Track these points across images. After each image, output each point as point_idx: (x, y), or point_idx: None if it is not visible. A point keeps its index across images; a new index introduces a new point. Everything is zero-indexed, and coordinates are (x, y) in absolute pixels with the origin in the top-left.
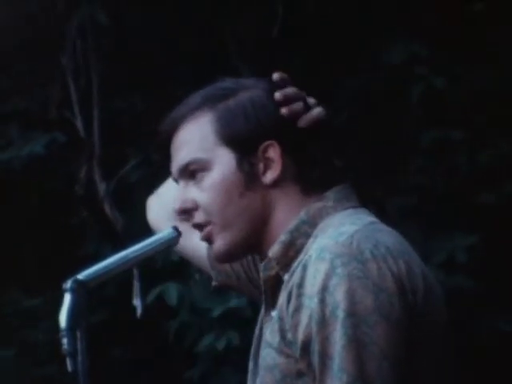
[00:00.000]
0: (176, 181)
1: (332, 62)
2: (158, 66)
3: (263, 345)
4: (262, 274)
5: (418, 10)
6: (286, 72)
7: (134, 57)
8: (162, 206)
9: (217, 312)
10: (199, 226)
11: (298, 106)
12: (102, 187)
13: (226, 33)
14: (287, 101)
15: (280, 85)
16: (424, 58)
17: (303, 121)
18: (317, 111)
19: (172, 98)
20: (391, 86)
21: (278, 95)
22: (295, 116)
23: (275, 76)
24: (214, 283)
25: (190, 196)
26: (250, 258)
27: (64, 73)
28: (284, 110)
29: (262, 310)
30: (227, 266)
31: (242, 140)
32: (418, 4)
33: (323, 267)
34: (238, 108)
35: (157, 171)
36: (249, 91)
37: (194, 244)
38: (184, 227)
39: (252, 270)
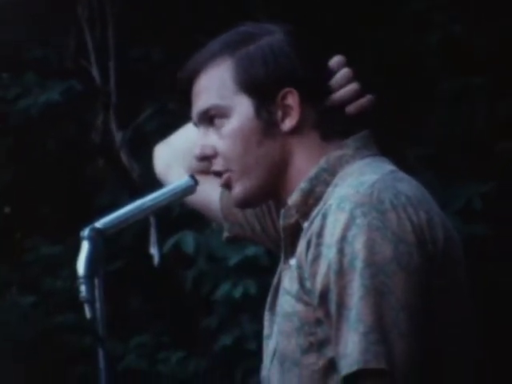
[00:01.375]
0: (196, 125)
1: (351, 11)
2: (175, 16)
3: (281, 292)
4: (281, 222)
5: None
6: (304, 20)
7: (149, 5)
8: (172, 154)
9: (233, 260)
10: (218, 173)
11: (354, 88)
12: (118, 136)
13: None
14: (344, 83)
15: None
16: (442, 5)
17: (351, 107)
18: (368, 98)
19: (188, 47)
20: (410, 33)
21: (338, 77)
22: (349, 99)
23: (332, 61)
24: (225, 234)
25: (209, 142)
26: (265, 208)
27: (80, 22)
28: (340, 94)
29: (281, 259)
30: (241, 218)
31: (261, 87)
32: None
33: (343, 217)
34: (257, 54)
35: (173, 120)
36: (269, 37)
37: (206, 195)
38: (198, 178)
39: (267, 220)
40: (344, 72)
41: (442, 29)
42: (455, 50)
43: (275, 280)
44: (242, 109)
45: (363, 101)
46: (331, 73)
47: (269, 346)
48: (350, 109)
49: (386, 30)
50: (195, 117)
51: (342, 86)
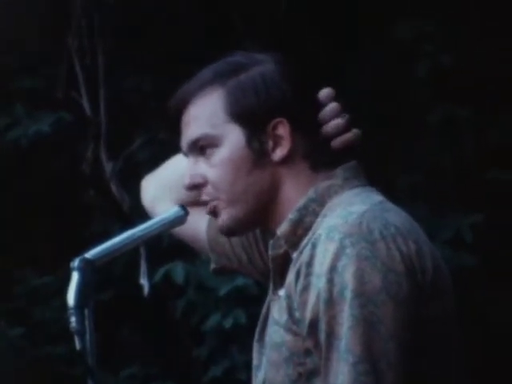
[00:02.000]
0: (186, 155)
1: (340, 40)
2: (164, 44)
3: (270, 323)
4: (270, 252)
5: None
6: (293, 48)
7: (139, 35)
8: (159, 187)
9: (223, 290)
10: (207, 203)
11: (342, 122)
12: (108, 166)
13: (233, 9)
14: (333, 117)
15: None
16: (431, 34)
17: (338, 141)
18: (355, 133)
19: (179, 77)
20: (399, 62)
21: (327, 112)
22: (333, 134)
23: (321, 94)
24: (212, 266)
25: (199, 171)
26: (252, 239)
27: (70, 52)
28: (327, 128)
29: (270, 290)
30: (228, 250)
31: (252, 117)
32: None
33: (332, 247)
34: (248, 84)
35: (163, 150)
36: (260, 66)
37: (194, 227)
38: None
39: (254, 252)
40: (332, 106)
41: (431, 58)
42: (444, 79)
43: (264, 310)
44: (233, 138)
45: (349, 135)
46: (320, 105)
47: (258, 377)
48: (336, 143)
49: (374, 57)
50: (185, 146)
51: (329, 120)
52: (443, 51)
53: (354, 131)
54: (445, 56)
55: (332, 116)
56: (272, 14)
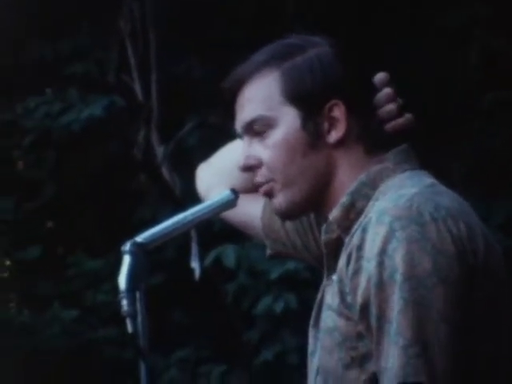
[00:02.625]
0: (240, 137)
1: (393, 25)
2: (217, 30)
3: (324, 308)
4: (322, 237)
5: None
6: (342, 35)
7: (191, 20)
8: (214, 175)
9: (275, 274)
10: (262, 184)
11: (395, 107)
12: (159, 151)
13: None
14: (387, 101)
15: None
16: (483, 19)
17: (391, 125)
18: (407, 118)
19: (230, 62)
20: (451, 48)
21: (382, 96)
22: (386, 118)
23: (377, 79)
24: (268, 252)
25: (254, 153)
26: (306, 224)
27: (122, 37)
28: (381, 112)
29: (324, 276)
30: (283, 236)
31: (308, 99)
32: None
33: (382, 230)
34: (304, 66)
35: (214, 134)
36: (316, 49)
37: (248, 213)
38: (241, 197)
39: (309, 237)
40: (385, 92)
41: (482, 43)
42: (495, 64)
43: (319, 296)
44: (289, 120)
45: (401, 120)
46: (375, 89)
47: (313, 363)
48: (389, 128)
49: (426, 43)
50: (240, 127)
51: (382, 105)
52: (494, 36)
53: (407, 116)
54: (496, 40)
55: (386, 101)
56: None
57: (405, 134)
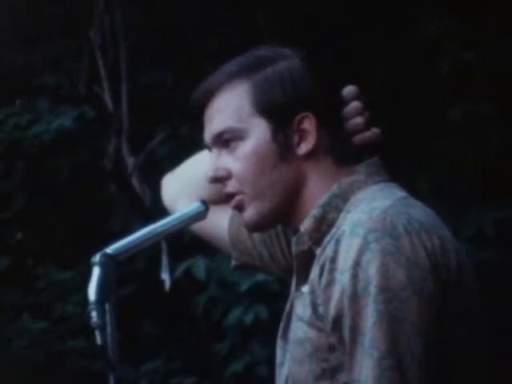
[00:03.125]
0: (209, 149)
1: (362, 38)
2: (186, 39)
3: (294, 319)
4: (293, 249)
5: None
6: (316, 46)
7: (161, 31)
8: (180, 185)
9: (245, 286)
10: (231, 196)
11: (362, 121)
12: (130, 161)
13: (256, 6)
14: (354, 115)
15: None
16: (454, 32)
17: (358, 139)
18: (374, 132)
19: (201, 72)
20: (420, 60)
21: (350, 109)
22: (353, 131)
23: (345, 92)
24: (234, 263)
25: (222, 164)
26: (273, 235)
27: (93, 48)
28: (348, 125)
29: (293, 286)
30: (250, 246)
31: (278, 110)
32: None
33: (356, 242)
34: (275, 78)
35: (185, 145)
36: (286, 61)
37: (215, 223)
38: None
39: (276, 247)
40: (354, 105)
41: (453, 56)
42: (466, 77)
43: (287, 307)
44: (259, 131)
45: (368, 134)
46: (344, 101)
47: (281, 374)
48: (356, 141)
49: (395, 55)
50: (209, 139)
51: (351, 118)
52: (465, 49)
53: (374, 130)
54: (466, 53)
55: (354, 114)
56: (295, 13)
57: (372, 148)
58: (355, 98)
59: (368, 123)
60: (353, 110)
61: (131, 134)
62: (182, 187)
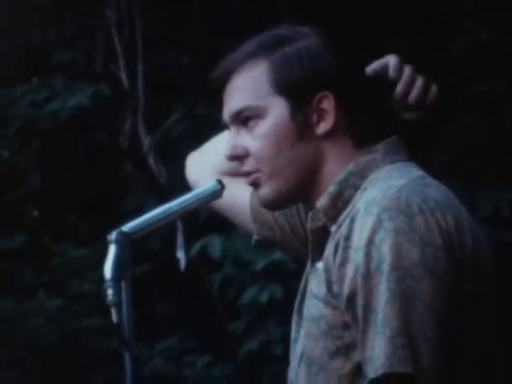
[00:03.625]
0: (228, 126)
1: (377, 18)
2: (205, 20)
3: (308, 296)
4: (309, 225)
5: None
6: (330, 24)
7: (180, 9)
8: (204, 163)
9: (260, 265)
10: (248, 174)
11: (417, 91)
12: (146, 140)
13: None
14: (408, 90)
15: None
16: (469, 10)
17: (426, 102)
18: (433, 92)
19: (217, 52)
20: (437, 38)
21: (399, 89)
22: (419, 102)
23: (391, 71)
24: (255, 237)
25: (241, 143)
26: (294, 208)
27: (108, 25)
28: (409, 99)
29: (308, 263)
30: (270, 219)
31: (297, 89)
32: None
33: (370, 220)
34: (293, 57)
35: (200, 125)
36: (305, 40)
37: (235, 197)
38: (226, 181)
39: (296, 220)
40: (406, 75)
41: (469, 35)
42: (481, 56)
43: (302, 283)
44: (277, 110)
45: (431, 97)
46: (366, 79)
47: (296, 350)
48: (412, 98)
49: (412, 34)
50: (227, 117)
51: (400, 78)
52: (481, 28)
53: (433, 89)
54: (482, 32)
55: (411, 83)
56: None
57: (395, 124)
58: (402, 70)
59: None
60: (407, 83)
61: (147, 112)
62: (207, 165)
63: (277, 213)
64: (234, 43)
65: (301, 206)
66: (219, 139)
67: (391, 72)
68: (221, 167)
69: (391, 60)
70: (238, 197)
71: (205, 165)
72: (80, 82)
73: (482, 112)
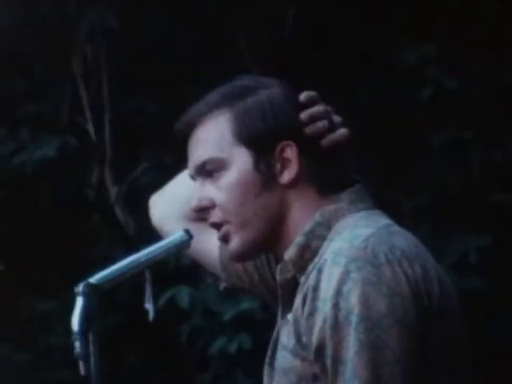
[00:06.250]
0: (193, 178)
1: (344, 64)
2: (169, 68)
3: (279, 347)
4: (278, 277)
5: (429, 10)
6: (297, 72)
7: (145, 59)
8: (168, 204)
9: (228, 315)
10: (216, 225)
11: (323, 125)
12: (113, 191)
13: (237, 33)
14: (312, 120)
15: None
16: (435, 58)
17: (326, 141)
18: (341, 132)
19: (183, 101)
20: (403, 86)
21: (303, 116)
22: (319, 135)
23: (303, 97)
24: (223, 285)
25: (206, 194)
26: (264, 258)
27: (74, 77)
28: (308, 130)
29: (279, 314)
30: (240, 269)
31: (260, 140)
32: (430, 4)
33: (337, 271)
34: (256, 107)
35: (168, 174)
36: (267, 90)
37: (204, 245)
38: (194, 228)
39: (266, 271)
40: (313, 110)
41: (435, 83)
42: (448, 103)
43: (274, 335)
44: (241, 161)
45: (335, 135)
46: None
47: None
48: (324, 143)
49: (376, 81)
50: (192, 169)
51: (313, 121)
52: (447, 76)
53: (340, 131)
54: (448, 80)
55: (316, 118)
56: (275, 39)
57: (359, 171)
58: (315, 103)
59: (332, 125)
60: (315, 112)
61: (114, 163)
62: (170, 206)
63: (247, 263)
64: (198, 92)
65: (271, 257)
66: (180, 179)
67: (311, 115)
68: (186, 212)
69: (316, 107)
70: (207, 244)
71: (168, 206)
72: (46, 133)
73: (449, 158)
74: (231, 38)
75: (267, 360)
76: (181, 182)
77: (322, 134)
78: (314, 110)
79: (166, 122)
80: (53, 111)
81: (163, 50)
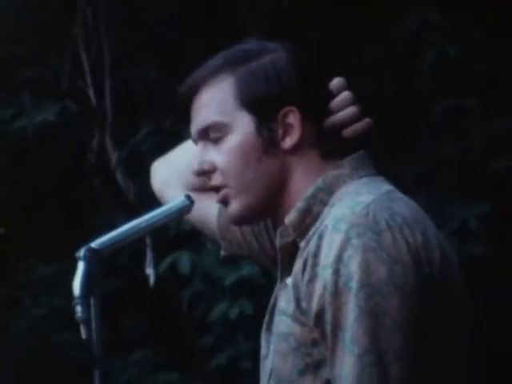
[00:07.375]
0: (195, 142)
1: (344, 32)
2: (170, 36)
3: (277, 312)
4: (278, 241)
5: None
6: (299, 43)
7: (146, 26)
8: (170, 171)
9: (229, 280)
10: (216, 189)
11: (353, 112)
12: (113, 156)
13: (239, 3)
14: (343, 107)
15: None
16: (436, 25)
17: (351, 129)
18: (366, 122)
19: (185, 67)
20: (404, 54)
21: (333, 104)
22: (343, 124)
23: (334, 83)
24: (222, 253)
25: (208, 158)
26: (262, 225)
27: (76, 42)
28: (337, 117)
29: (278, 278)
30: (239, 236)
31: (262, 104)
32: None
33: (338, 238)
34: (259, 72)
35: (169, 139)
36: (272, 54)
37: (204, 213)
38: (195, 197)
39: (265, 237)
40: (344, 95)
41: (436, 50)
42: (448, 71)
43: (272, 299)
44: (243, 125)
45: (360, 124)
46: (331, 94)
47: (265, 366)
48: (348, 132)
49: (378, 49)
50: (195, 132)
51: (341, 109)
52: (448, 43)
53: (366, 120)
54: (450, 47)
55: (344, 105)
56: (275, 7)
57: (364, 139)
58: (344, 89)
59: (359, 114)
60: (343, 100)
61: (115, 128)
62: (172, 173)
63: (245, 230)
64: (201, 57)
65: (269, 223)
66: (184, 148)
67: (340, 102)
68: (187, 180)
69: (345, 93)
70: (207, 212)
71: (170, 174)
72: (47, 98)
73: (450, 126)
74: (232, 5)
75: (264, 325)
76: (183, 151)
77: (350, 121)
78: (345, 96)
79: (166, 87)
80: (53, 76)
81: (165, 20)
